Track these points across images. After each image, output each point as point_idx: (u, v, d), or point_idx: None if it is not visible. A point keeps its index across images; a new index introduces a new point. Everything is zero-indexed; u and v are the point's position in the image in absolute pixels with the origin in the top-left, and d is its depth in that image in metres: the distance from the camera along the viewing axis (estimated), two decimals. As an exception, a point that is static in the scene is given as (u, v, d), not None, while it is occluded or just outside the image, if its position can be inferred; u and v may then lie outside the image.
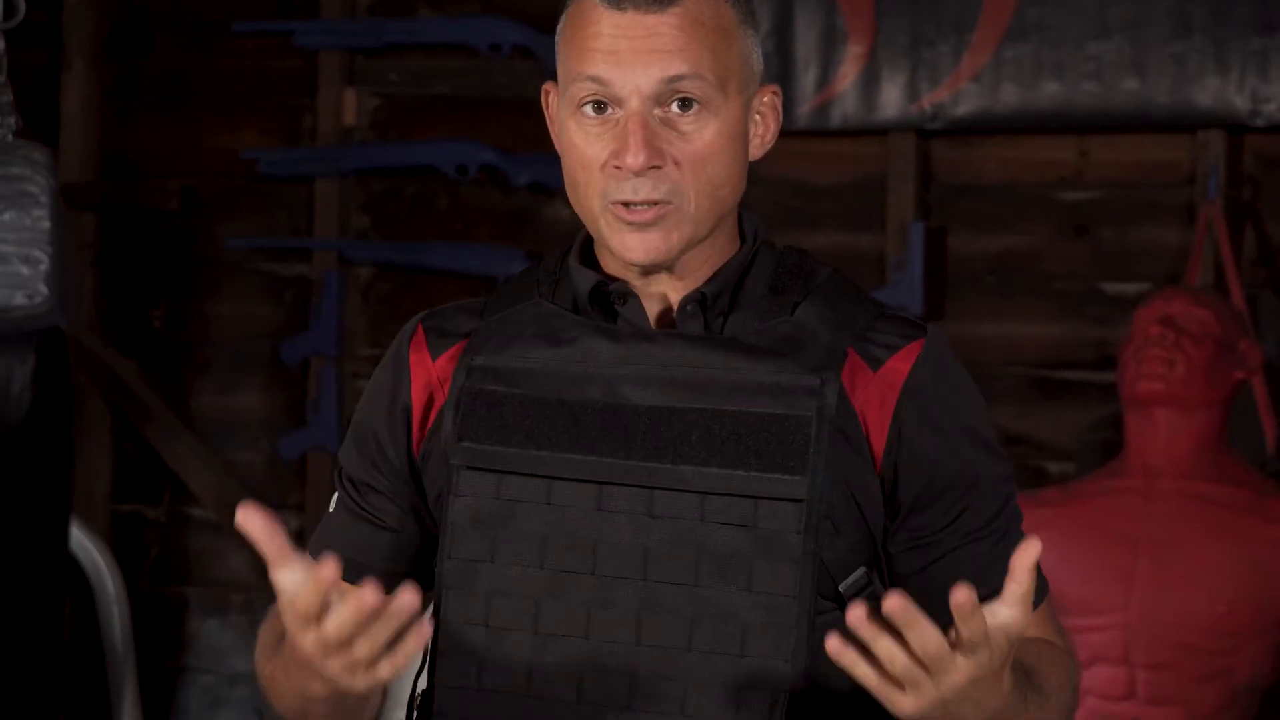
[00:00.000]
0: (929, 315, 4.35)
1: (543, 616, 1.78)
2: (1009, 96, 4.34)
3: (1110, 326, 4.32)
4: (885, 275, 4.41)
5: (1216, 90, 4.19)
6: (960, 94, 4.36)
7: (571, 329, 1.84)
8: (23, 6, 3.12)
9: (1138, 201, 4.35)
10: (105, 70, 4.99)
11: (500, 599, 1.79)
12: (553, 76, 1.89)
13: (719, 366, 1.79)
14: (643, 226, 1.80)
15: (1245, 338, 3.59)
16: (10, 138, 3.12)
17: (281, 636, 1.79)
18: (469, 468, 1.82)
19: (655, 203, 1.79)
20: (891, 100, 4.41)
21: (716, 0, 1.81)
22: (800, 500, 1.75)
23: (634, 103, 1.79)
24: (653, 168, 1.78)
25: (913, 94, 4.39)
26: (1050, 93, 4.31)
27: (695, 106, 1.80)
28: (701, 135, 1.80)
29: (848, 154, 4.51)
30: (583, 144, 1.82)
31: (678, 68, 1.78)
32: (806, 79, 4.45)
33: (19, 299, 2.99)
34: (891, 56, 4.40)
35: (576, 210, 1.86)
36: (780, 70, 4.43)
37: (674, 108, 1.80)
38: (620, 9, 1.79)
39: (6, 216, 3.00)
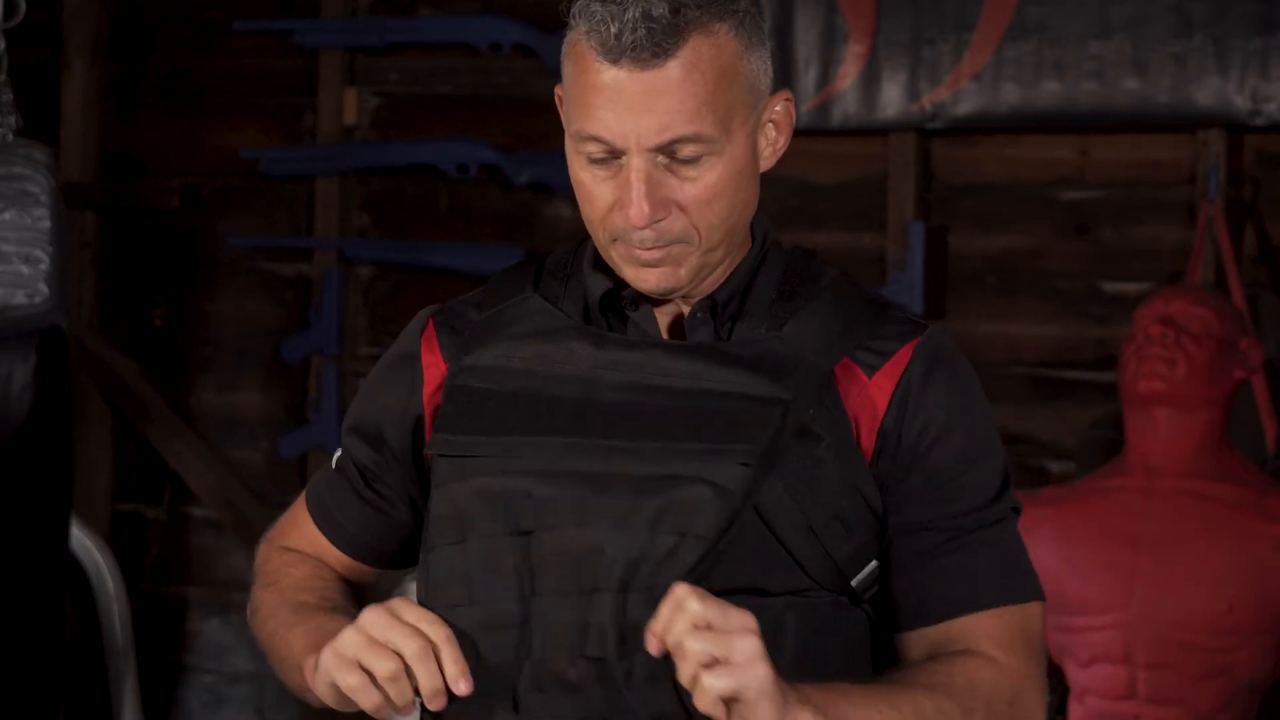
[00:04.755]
0: (929, 315, 4.35)
1: (524, 587, 1.78)
2: (1009, 96, 4.33)
3: (1110, 326, 4.31)
4: (885, 275, 4.41)
5: (1217, 89, 4.19)
6: (961, 93, 4.36)
7: (557, 329, 1.85)
8: (23, 6, 3.12)
9: (1138, 201, 4.35)
10: (106, 69, 4.99)
11: (480, 578, 1.80)
12: (554, 75, 1.87)
13: (695, 376, 1.80)
14: (653, 263, 1.80)
15: (1246, 337, 3.59)
16: (10, 137, 3.12)
17: (303, 604, 1.90)
18: (441, 456, 1.84)
19: (663, 246, 1.79)
20: (892, 99, 4.41)
21: (718, 35, 1.77)
22: (730, 491, 1.74)
23: (635, 158, 1.76)
24: (656, 220, 1.78)
25: (913, 93, 4.39)
26: (1051, 92, 4.30)
27: (698, 157, 1.78)
28: (706, 179, 1.78)
29: (848, 153, 4.50)
30: (590, 183, 1.81)
31: (678, 129, 1.75)
32: (807, 78, 4.45)
33: (19, 298, 2.99)
34: (892, 55, 4.40)
35: (589, 232, 1.86)
36: (780, 70, 4.43)
37: (676, 160, 1.77)
38: (616, 64, 1.75)
39: (7, 216, 3.00)
